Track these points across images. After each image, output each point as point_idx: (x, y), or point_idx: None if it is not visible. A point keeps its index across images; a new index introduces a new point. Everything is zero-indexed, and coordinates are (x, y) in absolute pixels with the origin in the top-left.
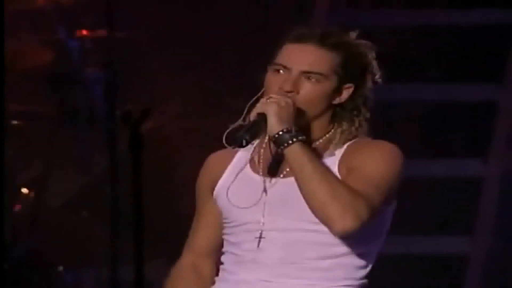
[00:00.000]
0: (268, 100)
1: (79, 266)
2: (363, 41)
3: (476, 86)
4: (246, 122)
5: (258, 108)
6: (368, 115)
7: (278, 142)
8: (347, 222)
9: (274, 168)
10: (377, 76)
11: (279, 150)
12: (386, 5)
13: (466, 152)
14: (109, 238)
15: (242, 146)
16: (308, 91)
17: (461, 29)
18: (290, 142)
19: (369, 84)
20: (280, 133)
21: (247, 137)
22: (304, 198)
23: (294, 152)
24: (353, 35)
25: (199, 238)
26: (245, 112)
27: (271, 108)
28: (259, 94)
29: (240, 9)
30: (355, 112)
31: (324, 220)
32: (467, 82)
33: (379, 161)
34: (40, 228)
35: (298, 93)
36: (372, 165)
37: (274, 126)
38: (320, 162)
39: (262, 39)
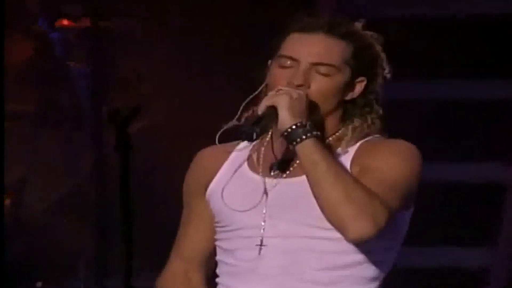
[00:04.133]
0: (278, 92)
1: (63, 278)
2: (369, 32)
3: (495, 82)
4: (255, 116)
5: (268, 100)
6: (381, 111)
7: (289, 137)
8: (363, 226)
9: (276, 167)
10: (386, 71)
11: (291, 146)
12: None
13: (485, 154)
14: (95, 247)
15: (252, 140)
16: (320, 84)
17: (479, 21)
18: (304, 137)
19: (380, 79)
20: (293, 127)
21: (258, 130)
22: (316, 199)
23: (307, 148)
24: (358, 25)
25: (190, 244)
26: (240, 111)
27: (283, 100)
28: (258, 91)
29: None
30: (367, 109)
31: (337, 224)
32: (485, 79)
33: (396, 161)
34: (19, 237)
35: (309, 87)
36: (389, 165)
37: (285, 119)
38: (335, 160)
39: (263, 33)
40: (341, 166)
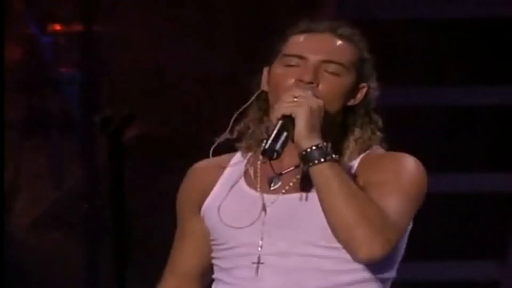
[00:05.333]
0: (296, 99)
1: None
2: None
3: (506, 88)
4: (272, 127)
5: (284, 107)
6: (380, 122)
7: (305, 158)
8: (375, 248)
9: (274, 182)
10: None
11: (304, 167)
12: None
13: (495, 164)
14: (86, 260)
15: (272, 160)
16: (329, 83)
17: (488, 24)
18: (322, 160)
19: (376, 90)
20: (313, 148)
21: (279, 149)
22: (327, 217)
23: (323, 171)
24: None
25: (184, 261)
26: (230, 124)
27: (302, 111)
28: (250, 101)
29: (237, 2)
30: (366, 119)
31: (348, 244)
32: (495, 84)
33: (403, 178)
34: (6, 250)
35: (317, 85)
36: (396, 182)
37: (303, 135)
38: (349, 180)
39: (261, 36)
40: (355, 186)
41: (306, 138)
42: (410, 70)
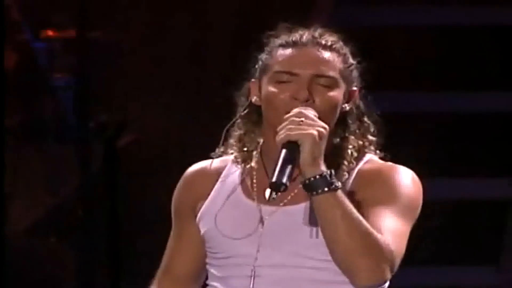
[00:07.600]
0: (301, 121)
1: None
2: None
3: (504, 94)
4: (277, 155)
5: (290, 134)
6: (372, 128)
7: (309, 187)
8: (375, 277)
9: (273, 194)
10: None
11: (308, 194)
12: (400, 2)
13: (492, 171)
14: (81, 266)
15: (281, 192)
16: (325, 97)
17: (487, 30)
18: (326, 189)
19: (361, 95)
20: (317, 177)
21: (286, 181)
22: (328, 246)
23: (326, 200)
24: (338, 38)
25: (180, 263)
26: (222, 138)
27: (309, 139)
28: (238, 116)
29: (232, 8)
30: (357, 123)
31: (348, 272)
32: (493, 90)
33: (401, 197)
34: (2, 255)
35: (313, 101)
36: (394, 203)
37: (308, 165)
38: (352, 210)
39: (255, 40)
40: (357, 214)
41: (311, 166)
42: (408, 76)
